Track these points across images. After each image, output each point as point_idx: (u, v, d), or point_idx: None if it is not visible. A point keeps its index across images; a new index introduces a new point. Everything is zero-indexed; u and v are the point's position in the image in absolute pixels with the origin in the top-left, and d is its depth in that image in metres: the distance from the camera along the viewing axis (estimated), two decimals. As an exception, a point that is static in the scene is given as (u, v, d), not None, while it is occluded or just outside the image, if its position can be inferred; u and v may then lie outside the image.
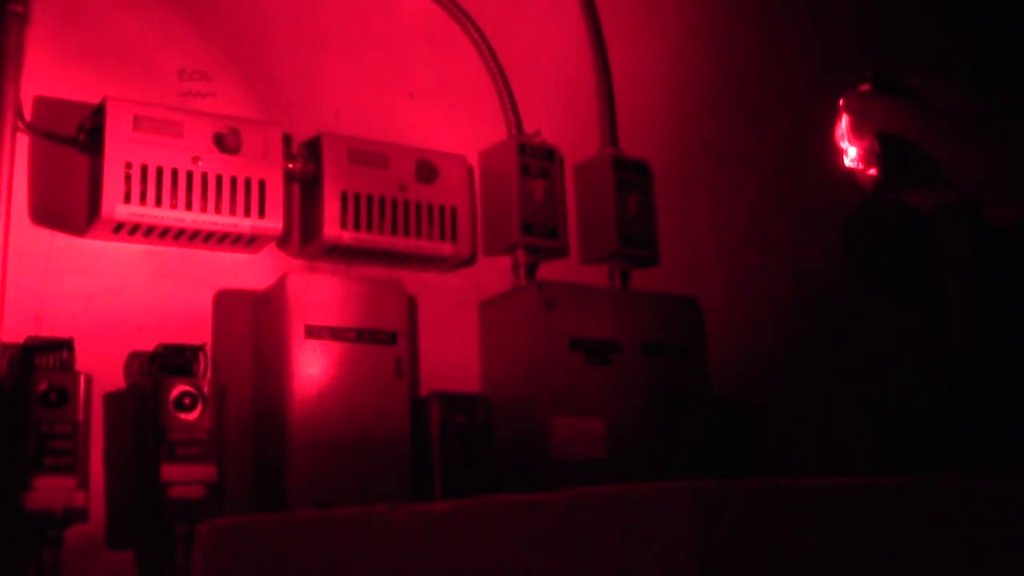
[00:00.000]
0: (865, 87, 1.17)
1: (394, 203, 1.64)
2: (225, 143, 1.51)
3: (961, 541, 0.80)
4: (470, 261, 1.76)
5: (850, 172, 1.19)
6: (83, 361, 1.37)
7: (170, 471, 1.36)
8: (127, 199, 1.43)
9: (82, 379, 1.34)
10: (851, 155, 1.18)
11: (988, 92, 1.15)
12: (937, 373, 2.06)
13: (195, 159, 1.48)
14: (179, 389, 1.39)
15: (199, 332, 1.52)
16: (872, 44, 2.37)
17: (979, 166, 1.09)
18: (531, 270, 1.79)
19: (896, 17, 2.45)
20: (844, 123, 1.18)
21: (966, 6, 2.49)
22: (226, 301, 1.56)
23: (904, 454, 2.08)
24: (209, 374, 1.45)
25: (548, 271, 1.82)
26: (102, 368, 1.42)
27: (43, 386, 1.32)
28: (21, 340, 1.36)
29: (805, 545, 0.71)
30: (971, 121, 1.11)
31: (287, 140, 1.59)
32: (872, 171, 1.15)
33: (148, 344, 1.45)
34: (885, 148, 1.13)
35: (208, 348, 1.49)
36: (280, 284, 1.51)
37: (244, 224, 1.50)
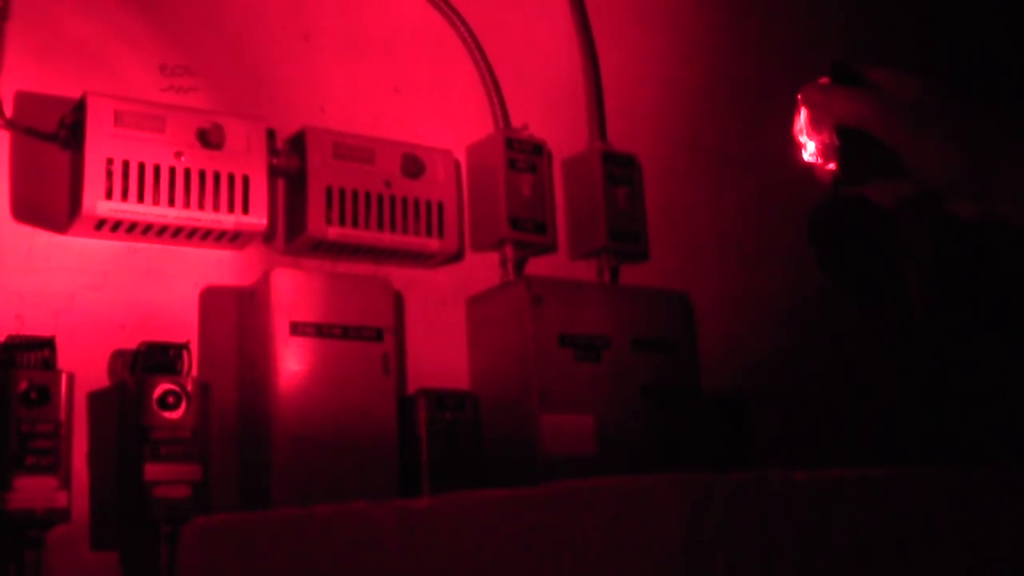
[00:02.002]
0: (823, 79, 1.15)
1: (380, 198, 1.63)
2: (208, 138, 1.49)
3: (954, 532, 0.79)
4: (457, 256, 1.75)
5: (809, 167, 1.16)
6: (65, 359, 1.35)
7: (154, 470, 1.35)
8: (109, 195, 1.41)
9: (64, 378, 1.33)
10: (810, 149, 1.15)
11: (951, 85, 1.13)
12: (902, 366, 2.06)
13: (178, 154, 1.47)
14: (163, 387, 1.38)
15: (184, 329, 1.50)
16: (866, 35, 2.37)
17: (941, 159, 1.07)
18: (519, 265, 1.78)
19: (891, 13, 2.45)
20: (803, 117, 1.16)
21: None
22: (211, 298, 1.54)
23: (895, 449, 2.08)
24: (193, 372, 1.43)
25: (536, 266, 1.80)
26: (85, 366, 1.40)
27: (24, 385, 1.30)
28: (1, 339, 1.34)
29: (797, 538, 0.70)
30: (932, 113, 1.09)
31: (271, 135, 1.57)
32: (831, 165, 1.13)
33: (131, 342, 1.43)
34: (844, 141, 1.11)
35: (193, 345, 1.47)
36: (264, 280, 1.49)
37: (228, 220, 1.49)
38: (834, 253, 2.16)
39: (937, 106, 1.09)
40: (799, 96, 1.16)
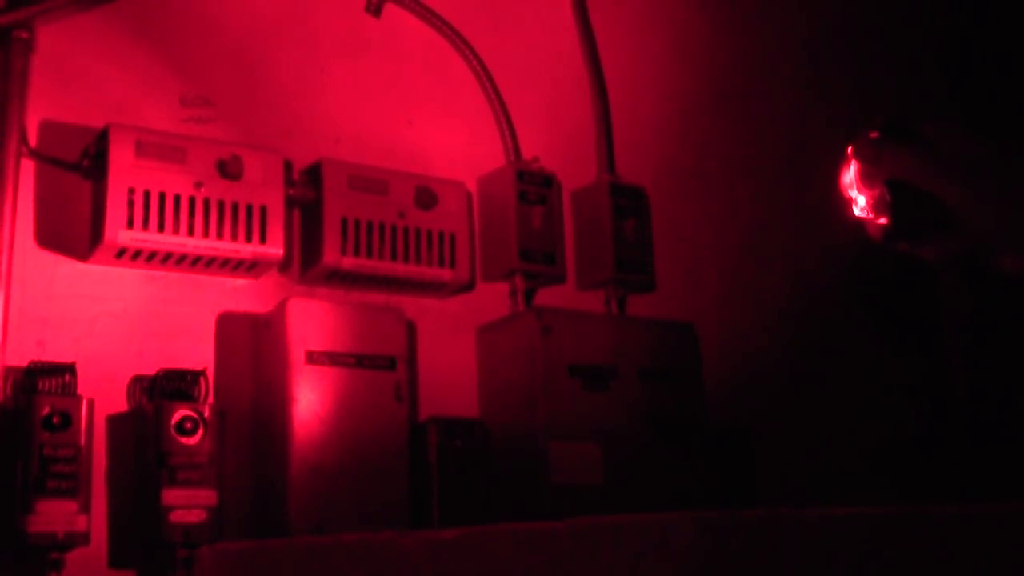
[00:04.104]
0: (874, 134, 1.16)
1: (393, 229, 1.66)
2: (227, 169, 1.52)
3: (959, 569, 0.81)
4: (468, 287, 1.78)
5: (859, 222, 1.17)
6: (85, 385, 1.38)
7: (171, 495, 1.37)
8: (130, 225, 1.44)
9: (84, 403, 1.35)
10: (860, 204, 1.16)
11: (996, 137, 1.14)
12: (931, 406, 2.07)
13: (197, 185, 1.50)
14: (180, 414, 1.40)
15: (201, 356, 1.53)
16: (870, 67, 2.40)
17: (991, 213, 1.09)
18: (529, 296, 1.80)
19: (892, 31, 2.48)
20: (852, 171, 1.16)
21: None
22: (228, 326, 1.57)
23: (898, 481, 2.09)
24: (210, 399, 1.46)
25: (545, 297, 1.83)
26: (104, 392, 1.43)
27: (46, 410, 1.33)
28: (24, 364, 1.37)
29: (809, 573, 0.73)
30: (983, 167, 1.10)
31: (288, 166, 1.60)
32: (882, 220, 1.14)
33: (150, 368, 1.46)
34: (896, 196, 1.12)
35: (209, 372, 1.50)
36: (280, 310, 1.52)
37: (245, 250, 1.52)
38: (878, 307, 2.17)
39: (988, 160, 1.11)
40: (849, 150, 1.16)
